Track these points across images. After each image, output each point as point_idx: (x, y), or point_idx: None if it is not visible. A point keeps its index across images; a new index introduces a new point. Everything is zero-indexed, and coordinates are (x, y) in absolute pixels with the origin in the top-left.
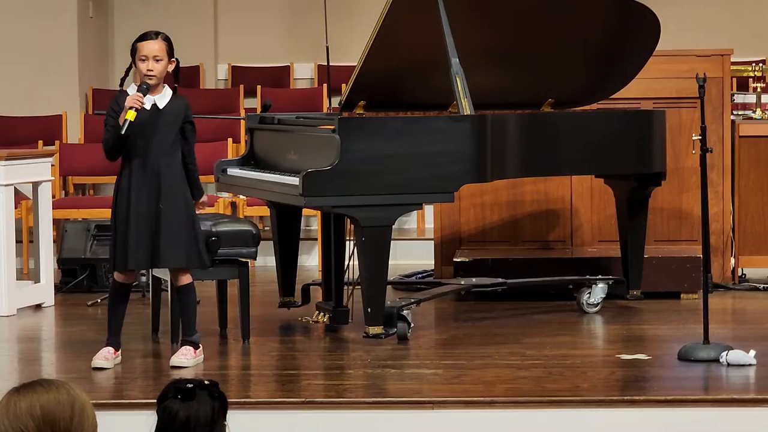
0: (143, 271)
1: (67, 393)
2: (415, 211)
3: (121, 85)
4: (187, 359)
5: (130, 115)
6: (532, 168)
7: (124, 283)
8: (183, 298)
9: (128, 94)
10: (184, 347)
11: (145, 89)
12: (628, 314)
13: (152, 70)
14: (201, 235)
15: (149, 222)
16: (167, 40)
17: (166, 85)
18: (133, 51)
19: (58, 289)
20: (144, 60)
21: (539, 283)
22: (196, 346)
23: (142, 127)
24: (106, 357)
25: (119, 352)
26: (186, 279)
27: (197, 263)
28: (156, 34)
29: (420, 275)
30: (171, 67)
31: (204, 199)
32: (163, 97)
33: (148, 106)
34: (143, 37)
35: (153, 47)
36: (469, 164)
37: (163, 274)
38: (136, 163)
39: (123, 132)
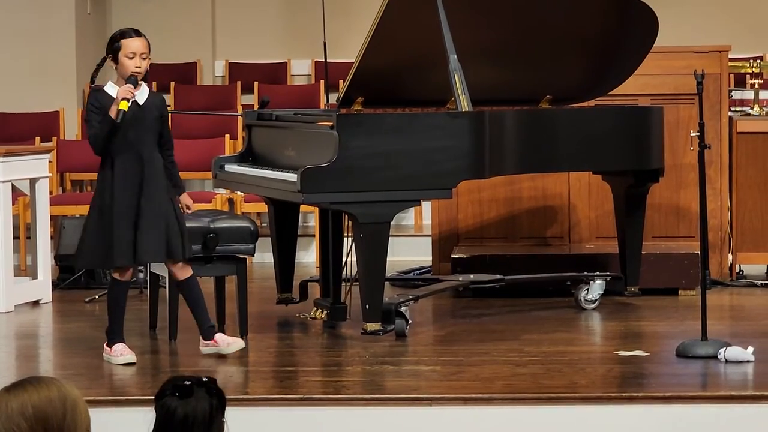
0: (141, 267)
1: (58, 390)
2: (413, 208)
3: (92, 81)
4: (236, 340)
5: (124, 105)
6: (530, 164)
7: (122, 281)
8: (187, 292)
9: (106, 93)
10: (220, 335)
11: (134, 81)
12: (625, 311)
13: (140, 67)
14: (184, 226)
15: (132, 218)
16: (147, 39)
17: (143, 83)
18: (117, 48)
19: (56, 285)
20: (132, 57)
21: (537, 280)
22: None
23: (126, 123)
24: (130, 351)
25: None
26: (186, 273)
27: (179, 255)
28: (137, 32)
29: (418, 272)
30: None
31: (186, 200)
32: (141, 94)
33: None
34: (127, 35)
35: (140, 45)
36: (466, 161)
37: (161, 270)
38: (119, 159)
39: (119, 121)
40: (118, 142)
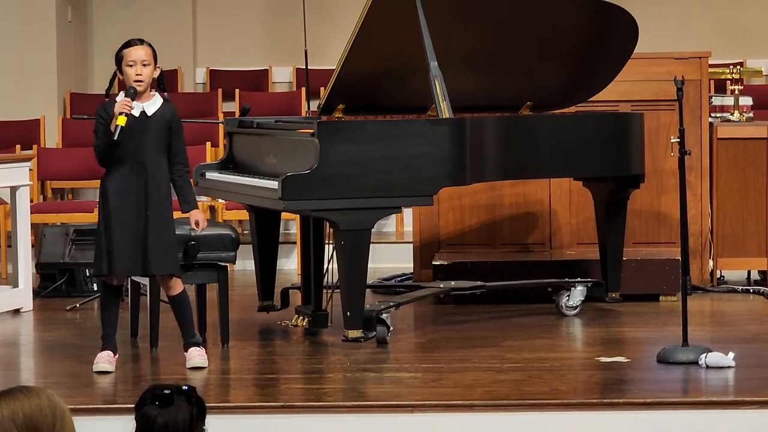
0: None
1: (47, 399)
2: (394, 215)
3: (107, 95)
4: (203, 359)
5: (121, 121)
6: (511, 171)
7: (114, 285)
8: (178, 307)
9: (116, 102)
10: (193, 349)
11: (132, 94)
12: (607, 317)
13: (141, 75)
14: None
15: (137, 229)
16: (151, 47)
17: (157, 93)
18: (120, 58)
19: (37, 293)
20: (132, 65)
21: (518, 286)
22: (201, 346)
23: (130, 134)
24: (108, 360)
25: (116, 356)
26: (178, 287)
27: (162, 269)
28: (140, 41)
29: (399, 278)
30: (156, 74)
31: (196, 217)
32: (152, 104)
33: (136, 113)
34: (128, 44)
35: (140, 53)
36: (447, 167)
37: (142, 278)
38: (124, 169)
39: (116, 138)
40: (123, 153)
